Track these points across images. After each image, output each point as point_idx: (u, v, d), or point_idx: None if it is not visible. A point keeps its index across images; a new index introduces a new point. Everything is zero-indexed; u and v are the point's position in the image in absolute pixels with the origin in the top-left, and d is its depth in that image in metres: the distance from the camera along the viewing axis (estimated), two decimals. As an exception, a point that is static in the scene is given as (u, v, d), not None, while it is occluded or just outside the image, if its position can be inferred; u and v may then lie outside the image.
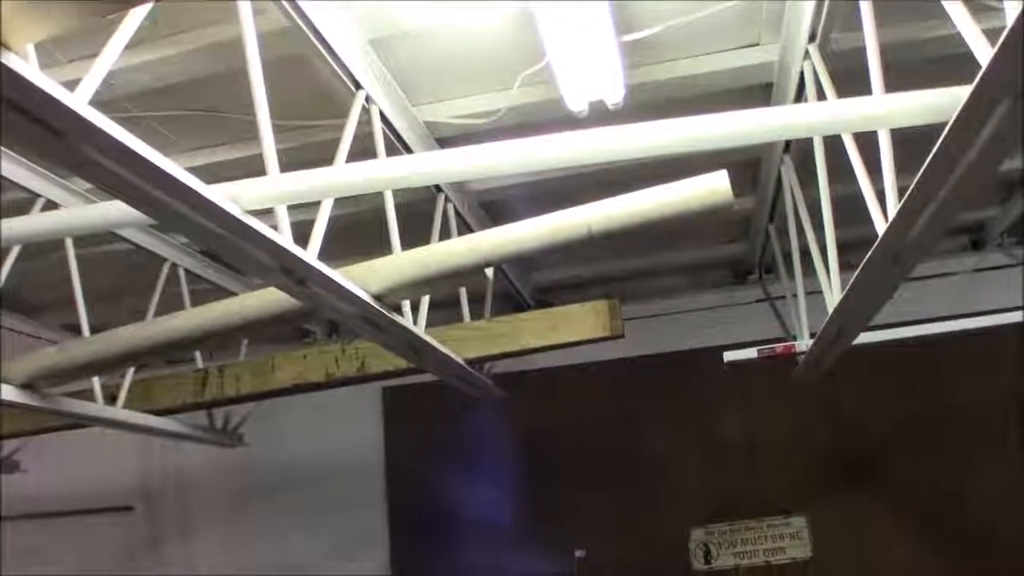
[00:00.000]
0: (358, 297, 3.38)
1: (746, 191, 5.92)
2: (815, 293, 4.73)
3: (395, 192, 4.10)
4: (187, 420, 5.81)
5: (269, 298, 3.75)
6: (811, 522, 6.86)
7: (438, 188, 4.81)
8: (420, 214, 4.63)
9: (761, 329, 6.48)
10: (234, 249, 2.81)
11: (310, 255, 3.02)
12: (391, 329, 3.73)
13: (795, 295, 5.47)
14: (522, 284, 6.58)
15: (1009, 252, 7.03)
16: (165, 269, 5.61)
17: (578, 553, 6.76)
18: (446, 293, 4.76)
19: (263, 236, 2.75)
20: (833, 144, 3.71)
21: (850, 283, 3.59)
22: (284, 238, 2.86)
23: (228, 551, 7.81)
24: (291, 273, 3.03)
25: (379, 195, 4.02)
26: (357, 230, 4.75)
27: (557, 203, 3.46)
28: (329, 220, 3.36)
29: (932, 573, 6.60)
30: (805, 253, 4.86)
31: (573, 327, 4.68)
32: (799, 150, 4.72)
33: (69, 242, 4.71)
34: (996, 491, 6.63)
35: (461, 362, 4.63)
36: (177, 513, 8.02)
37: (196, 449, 7.58)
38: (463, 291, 5.08)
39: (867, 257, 3.31)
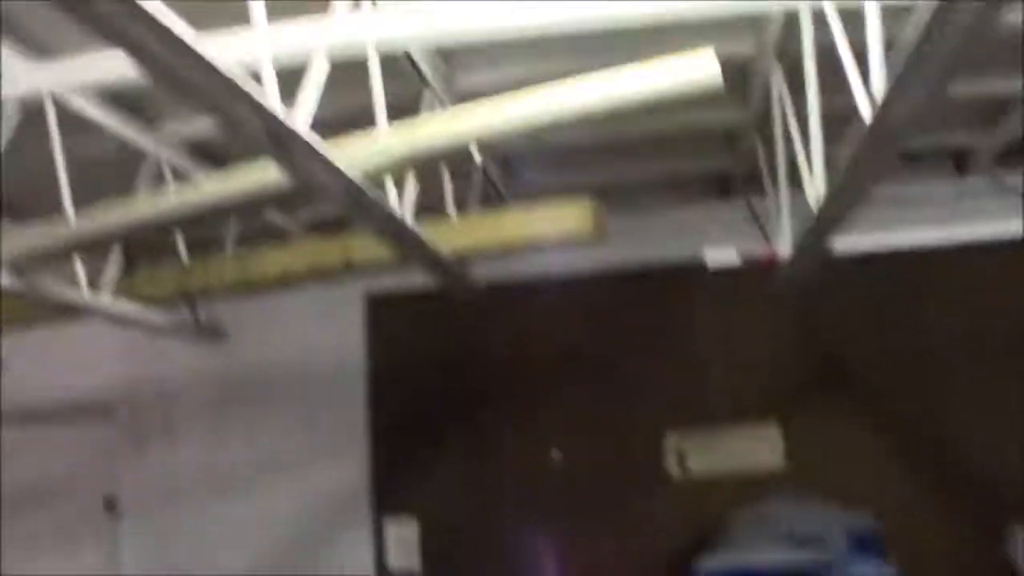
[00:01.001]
0: (343, 173, 3.39)
1: (733, 102, 5.92)
2: (800, 207, 4.77)
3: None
4: (171, 314, 5.82)
5: (258, 177, 3.76)
6: (785, 432, 6.98)
7: (423, 81, 4.76)
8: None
9: (744, 244, 6.55)
10: (221, 106, 2.79)
11: (299, 122, 3.01)
12: (375, 210, 3.75)
13: (779, 209, 5.48)
14: (505, 188, 6.58)
15: (993, 177, 7.04)
16: (149, 166, 5.54)
17: (555, 455, 6.86)
18: (430, 197, 4.76)
19: (250, 95, 2.74)
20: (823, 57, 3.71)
21: (834, 171, 3.62)
22: (271, 98, 2.85)
23: (210, 452, 7.90)
24: (277, 140, 3.02)
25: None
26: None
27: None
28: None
29: (901, 487, 6.77)
30: (792, 165, 4.88)
31: (557, 224, 4.71)
32: (788, 60, 4.70)
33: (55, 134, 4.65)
34: (969, 409, 6.77)
35: (445, 255, 4.66)
36: (160, 415, 8.06)
37: (179, 352, 7.64)
38: (448, 186, 5.08)
39: (855, 138, 3.33)
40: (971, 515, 6.54)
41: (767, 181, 5.99)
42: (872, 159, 3.55)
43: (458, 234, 4.77)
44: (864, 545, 5.91)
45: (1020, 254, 6.19)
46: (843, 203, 4.21)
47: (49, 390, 8.11)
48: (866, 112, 3.22)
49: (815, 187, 4.32)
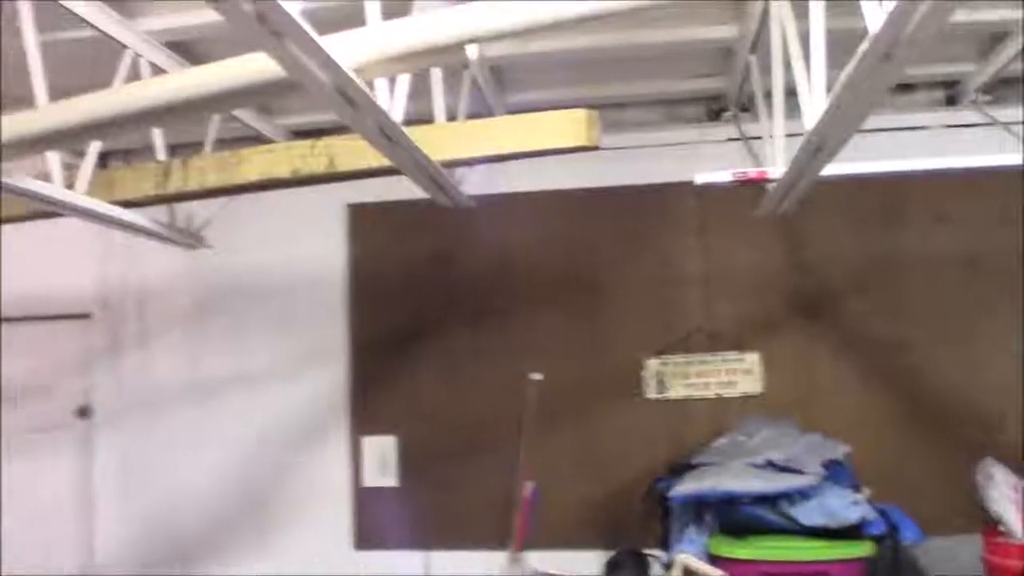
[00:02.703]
0: (337, 64, 3.26)
1: (727, 19, 5.82)
2: (794, 136, 4.69)
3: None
4: (149, 216, 5.69)
5: (245, 66, 3.63)
6: (764, 359, 6.99)
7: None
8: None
9: (734, 167, 6.44)
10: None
11: (291, 3, 2.87)
12: (366, 107, 3.63)
13: (772, 136, 5.38)
14: (495, 104, 6.45)
15: (982, 110, 6.98)
16: (126, 59, 5.36)
17: (534, 376, 6.85)
18: (419, 107, 4.63)
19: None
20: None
21: (837, 83, 3.53)
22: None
23: (187, 358, 7.84)
24: (268, 22, 2.89)
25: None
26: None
27: None
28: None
29: (879, 415, 6.82)
30: (790, 93, 4.77)
31: (549, 133, 4.59)
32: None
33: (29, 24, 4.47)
34: (949, 341, 6.81)
35: (433, 162, 4.54)
36: (136, 320, 7.98)
37: (156, 256, 7.52)
38: (438, 92, 4.94)
39: (857, 54, 3.25)
40: (945, 446, 6.60)
41: (759, 103, 5.89)
42: (875, 79, 3.47)
43: (447, 141, 4.65)
44: (839, 474, 5.94)
45: (1008, 185, 6.15)
46: (841, 125, 4.13)
47: (24, 292, 7.98)
48: (874, 25, 3.12)
49: (813, 108, 4.23)
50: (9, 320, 8.16)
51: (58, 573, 7.93)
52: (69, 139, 4.16)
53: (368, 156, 4.79)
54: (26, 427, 8.14)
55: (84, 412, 8.06)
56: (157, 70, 5.43)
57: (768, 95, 5.44)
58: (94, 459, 7.98)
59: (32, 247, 7.31)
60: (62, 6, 4.71)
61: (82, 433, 8.05)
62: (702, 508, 5.92)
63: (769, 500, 5.69)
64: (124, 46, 5.26)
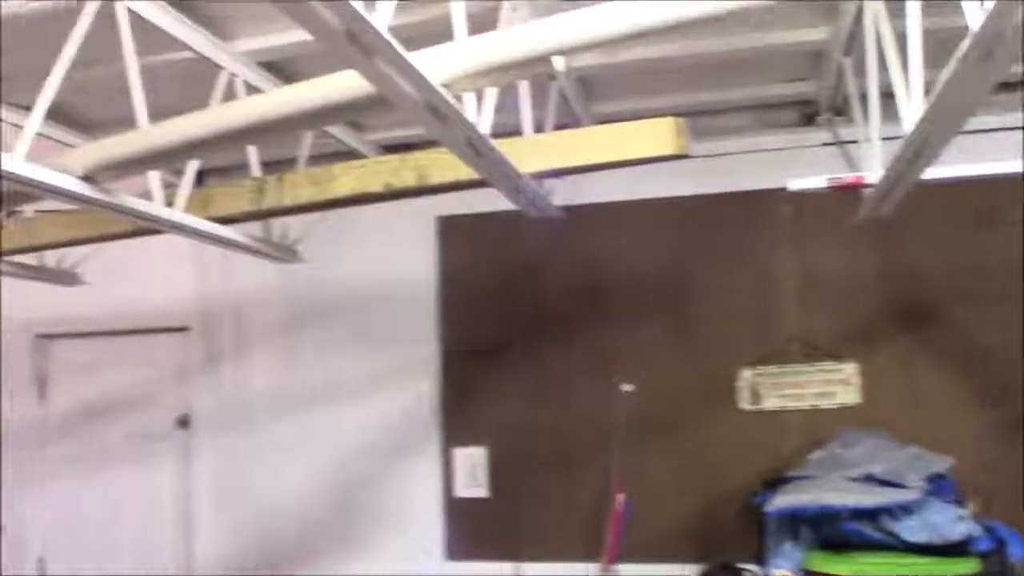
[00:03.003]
0: (426, 80, 3.28)
1: (819, 21, 5.69)
2: (890, 139, 4.55)
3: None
4: (244, 232, 5.83)
5: (336, 84, 3.69)
6: (862, 369, 6.80)
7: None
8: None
9: (829, 173, 6.29)
10: (299, 8, 2.70)
11: (380, 20, 2.90)
12: (455, 121, 3.65)
13: (869, 134, 5.23)
14: (583, 114, 6.44)
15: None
16: (222, 80, 5.52)
17: (625, 387, 6.79)
18: (506, 120, 4.64)
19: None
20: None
21: (937, 83, 3.41)
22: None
23: (282, 371, 8.02)
24: (357, 40, 2.92)
25: None
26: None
27: None
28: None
29: (983, 428, 6.54)
30: (886, 95, 4.63)
31: (637, 143, 4.53)
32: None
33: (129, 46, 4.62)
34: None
35: (522, 174, 4.55)
36: (232, 334, 8.19)
37: (251, 271, 7.73)
38: (525, 105, 4.94)
39: (958, 53, 3.14)
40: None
41: (854, 106, 5.74)
42: (976, 79, 3.35)
43: (534, 152, 4.63)
44: (942, 488, 5.74)
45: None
46: (941, 128, 4.00)
47: (125, 307, 8.28)
48: (975, 23, 3.01)
49: (911, 110, 4.10)
50: (115, 333, 8.48)
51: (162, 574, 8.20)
52: (168, 159, 4.29)
53: (458, 169, 4.82)
54: (129, 435, 8.44)
55: (184, 422, 8.29)
56: (252, 89, 5.57)
57: (863, 98, 5.29)
58: (192, 467, 8.20)
59: (133, 261, 7.57)
60: (162, 30, 4.86)
61: (182, 442, 8.28)
62: (799, 523, 5.78)
63: (869, 515, 5.52)
64: (220, 67, 5.41)
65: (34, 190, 4.21)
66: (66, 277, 7.07)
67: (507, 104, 4.65)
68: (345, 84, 3.62)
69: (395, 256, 7.72)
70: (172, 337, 8.37)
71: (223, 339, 8.21)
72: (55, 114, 6.10)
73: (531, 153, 4.66)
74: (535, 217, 5.34)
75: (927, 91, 3.80)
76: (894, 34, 4.39)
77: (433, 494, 7.49)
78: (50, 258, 6.93)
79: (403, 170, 4.98)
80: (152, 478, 8.37)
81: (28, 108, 4.28)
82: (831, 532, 5.63)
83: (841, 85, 6.09)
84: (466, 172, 4.76)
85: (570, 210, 5.71)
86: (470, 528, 7.38)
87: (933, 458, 5.98)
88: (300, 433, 7.84)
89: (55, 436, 8.68)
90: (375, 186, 5.05)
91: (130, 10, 4.56)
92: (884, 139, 4.89)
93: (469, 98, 3.94)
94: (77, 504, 8.57)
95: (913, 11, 3.96)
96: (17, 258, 6.48)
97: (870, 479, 5.74)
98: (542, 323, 7.32)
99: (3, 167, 3.87)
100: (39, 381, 8.74)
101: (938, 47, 3.47)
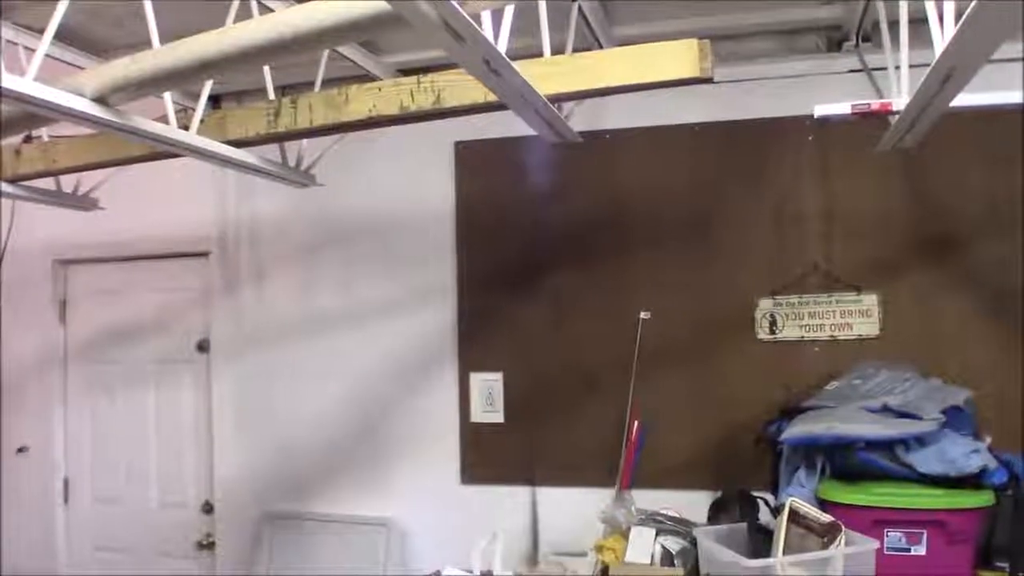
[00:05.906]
0: (441, -4, 3.20)
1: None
2: (919, 66, 4.41)
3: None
4: (260, 156, 5.78)
5: (349, 2, 3.60)
6: (883, 301, 6.72)
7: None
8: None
9: (855, 100, 6.14)
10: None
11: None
12: (471, 39, 3.55)
13: (896, 66, 5.07)
14: (604, 37, 6.30)
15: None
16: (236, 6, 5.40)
17: (643, 314, 6.76)
18: (524, 41, 4.54)
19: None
20: None
21: (970, 7, 3.29)
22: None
23: (299, 295, 8.05)
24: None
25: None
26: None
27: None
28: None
29: (1004, 362, 6.45)
30: (916, 21, 4.49)
31: (659, 65, 4.43)
32: None
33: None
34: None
35: (541, 97, 4.45)
36: (251, 259, 8.19)
37: (269, 197, 7.74)
38: (544, 25, 4.83)
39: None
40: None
41: (884, 31, 5.58)
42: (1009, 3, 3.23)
43: (554, 75, 4.53)
44: (959, 420, 5.69)
45: None
46: (972, 52, 3.87)
47: (142, 231, 8.31)
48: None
49: (944, 32, 3.97)
50: (134, 258, 8.52)
51: (182, 500, 8.35)
52: (181, 79, 4.22)
53: (475, 91, 4.76)
54: (150, 359, 8.54)
55: (203, 346, 8.35)
56: (265, 9, 5.46)
57: (893, 24, 5.13)
58: (212, 391, 8.29)
59: (150, 187, 7.57)
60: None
61: (202, 366, 8.35)
62: (813, 452, 5.77)
63: (884, 446, 5.50)
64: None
65: (46, 111, 4.16)
66: (85, 202, 7.06)
67: (526, 27, 4.55)
68: (361, 2, 3.54)
69: (412, 181, 7.67)
70: (191, 262, 8.40)
71: (241, 264, 8.22)
72: (67, 36, 6.06)
73: (550, 75, 4.57)
74: (554, 142, 5.26)
75: (958, 17, 3.68)
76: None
77: (450, 419, 7.53)
78: (67, 184, 6.92)
79: (419, 92, 4.90)
80: (173, 401, 8.48)
81: (40, 31, 4.22)
82: (846, 462, 5.62)
83: (870, 9, 5.91)
84: (484, 95, 4.71)
85: (589, 135, 5.61)
86: (486, 453, 7.44)
87: (952, 390, 5.94)
88: (318, 359, 7.89)
89: (76, 360, 8.78)
90: (390, 108, 4.98)
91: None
92: (913, 66, 4.75)
93: (486, 17, 3.85)
94: (99, 426, 8.70)
95: (946, -71, 3.83)
96: (35, 183, 6.47)
97: (887, 410, 5.71)
98: (560, 250, 7.27)
99: (14, 88, 3.82)
100: (59, 306, 8.81)
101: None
